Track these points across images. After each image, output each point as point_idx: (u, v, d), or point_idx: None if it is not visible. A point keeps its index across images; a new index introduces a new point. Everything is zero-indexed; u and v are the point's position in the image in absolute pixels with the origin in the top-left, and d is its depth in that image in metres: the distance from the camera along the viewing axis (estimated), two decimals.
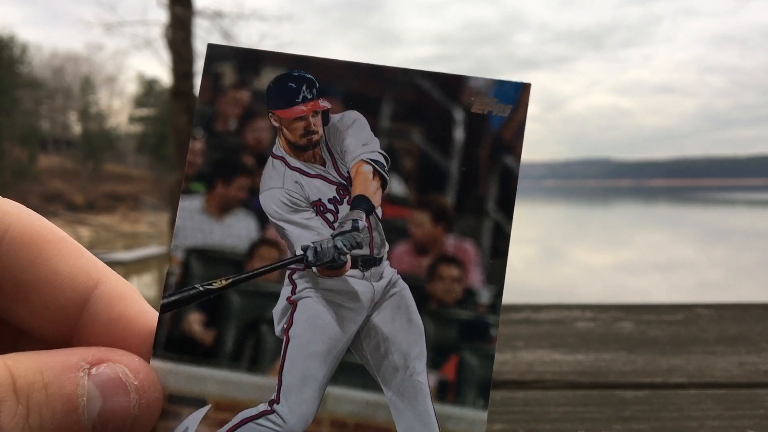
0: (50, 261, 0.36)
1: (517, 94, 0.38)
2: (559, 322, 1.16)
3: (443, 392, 0.37)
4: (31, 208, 0.38)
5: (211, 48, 0.39)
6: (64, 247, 0.37)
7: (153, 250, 19.71)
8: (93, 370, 0.33)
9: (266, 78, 0.39)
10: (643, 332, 1.09)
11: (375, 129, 0.38)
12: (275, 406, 0.37)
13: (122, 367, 0.34)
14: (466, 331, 0.37)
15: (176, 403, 0.37)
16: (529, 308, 1.26)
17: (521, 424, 0.71)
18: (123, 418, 0.33)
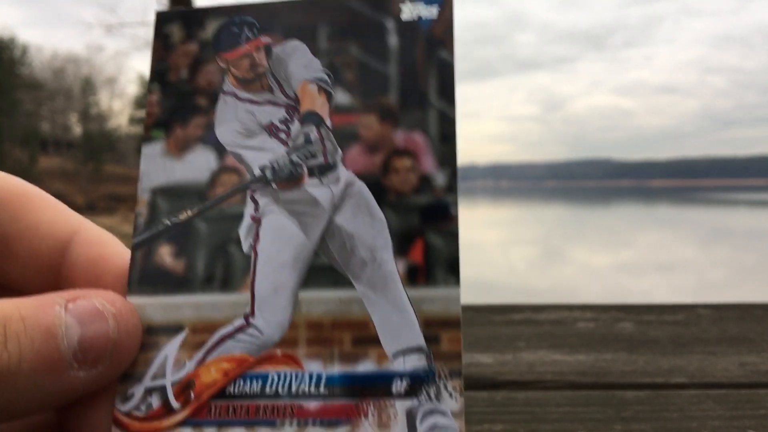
0: (31, 214, 0.38)
1: None
2: (559, 323, 1.16)
3: (413, 276, 0.38)
4: None
5: (159, 14, 0.43)
6: (43, 201, 0.39)
7: None
8: (69, 305, 0.33)
9: (211, 29, 0.43)
10: (643, 333, 1.09)
11: (315, 52, 0.42)
12: (250, 319, 0.38)
13: (99, 298, 0.35)
14: (427, 215, 0.39)
15: (154, 334, 0.38)
16: (529, 309, 1.26)
17: (522, 424, 0.71)
18: (103, 343, 0.33)
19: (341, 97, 0.41)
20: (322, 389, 0.37)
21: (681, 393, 0.81)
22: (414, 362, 0.37)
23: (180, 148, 0.41)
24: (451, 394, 0.36)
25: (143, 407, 0.37)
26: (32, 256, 0.38)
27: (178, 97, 0.42)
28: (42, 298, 0.33)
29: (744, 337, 1.05)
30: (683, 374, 0.88)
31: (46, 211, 0.39)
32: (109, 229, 0.40)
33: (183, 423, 0.36)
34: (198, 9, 0.43)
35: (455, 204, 0.39)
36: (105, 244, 0.39)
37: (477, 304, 1.33)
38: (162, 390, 0.37)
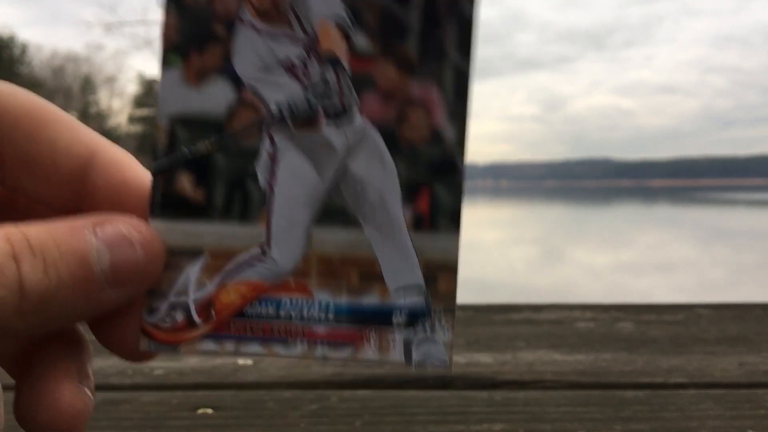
0: (47, 133, 0.39)
1: None
2: (559, 323, 1.16)
3: (419, 222, 0.40)
4: None
5: None
6: (59, 120, 0.39)
7: None
8: (98, 231, 0.35)
9: None
10: (643, 332, 1.09)
11: None
12: (266, 248, 0.40)
13: (125, 224, 0.37)
14: (435, 166, 0.41)
15: (177, 256, 0.40)
16: (529, 308, 1.26)
17: (521, 424, 0.71)
18: (132, 267, 0.36)
19: (360, 41, 0.41)
20: (330, 316, 0.40)
21: (680, 393, 0.81)
22: (413, 297, 0.40)
23: (197, 77, 0.41)
24: (443, 327, 0.40)
25: (168, 320, 0.39)
26: (51, 176, 0.39)
27: (194, 22, 0.41)
28: (71, 224, 0.35)
29: (743, 337, 1.05)
30: (683, 374, 0.88)
31: (63, 130, 0.39)
32: None
33: (205, 336, 0.39)
34: None
35: (462, 157, 0.40)
36: (127, 167, 0.40)
37: (476, 303, 1.33)
38: (185, 306, 0.39)
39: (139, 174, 0.40)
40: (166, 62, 0.41)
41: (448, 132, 0.40)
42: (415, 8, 0.41)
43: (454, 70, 0.41)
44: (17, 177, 0.39)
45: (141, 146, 51.64)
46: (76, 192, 0.40)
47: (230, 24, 0.41)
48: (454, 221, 0.40)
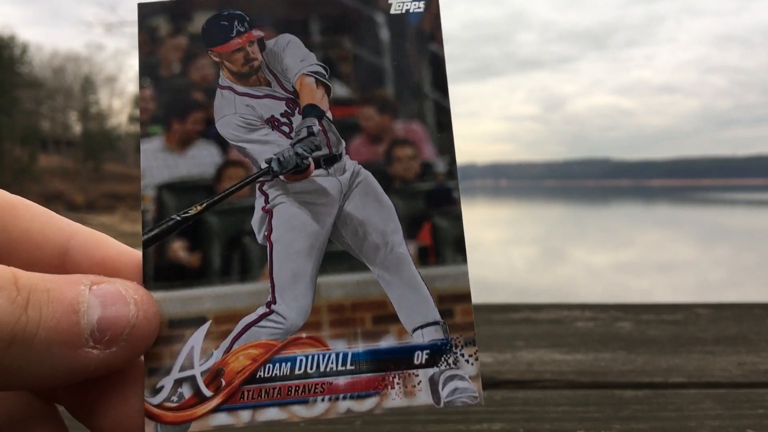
0: (20, 222, 0.38)
1: None
2: (558, 322, 1.16)
3: (424, 257, 0.41)
4: None
5: (141, 6, 0.42)
6: (31, 210, 0.39)
7: None
8: (94, 287, 0.34)
9: (198, 22, 0.42)
10: (642, 332, 1.09)
11: (309, 45, 0.42)
12: (273, 306, 0.39)
13: (122, 284, 0.36)
14: (432, 199, 0.42)
15: (177, 327, 0.38)
16: (528, 308, 1.26)
17: (521, 423, 0.71)
18: (121, 326, 0.34)
19: (339, 89, 0.42)
20: (349, 366, 0.39)
21: (680, 392, 0.81)
22: (432, 335, 0.40)
23: (181, 144, 0.41)
24: (467, 360, 0.40)
25: (175, 398, 0.38)
26: (28, 265, 0.37)
27: (172, 92, 0.41)
28: (69, 276, 0.34)
29: (742, 337, 1.06)
30: (682, 374, 0.88)
31: (37, 218, 0.39)
32: (109, 227, 0.40)
33: (217, 409, 0.37)
34: (182, 0, 0.42)
35: (456, 188, 0.41)
36: (107, 245, 0.39)
37: (476, 303, 1.33)
38: (192, 380, 0.38)
39: (123, 250, 0.39)
40: (147, 134, 0.41)
41: (439, 165, 0.42)
42: (385, 53, 0.42)
43: (434, 106, 0.42)
44: None
45: None
46: (57, 273, 0.38)
47: (208, 89, 0.42)
48: (459, 250, 0.41)
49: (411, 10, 0.43)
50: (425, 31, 0.43)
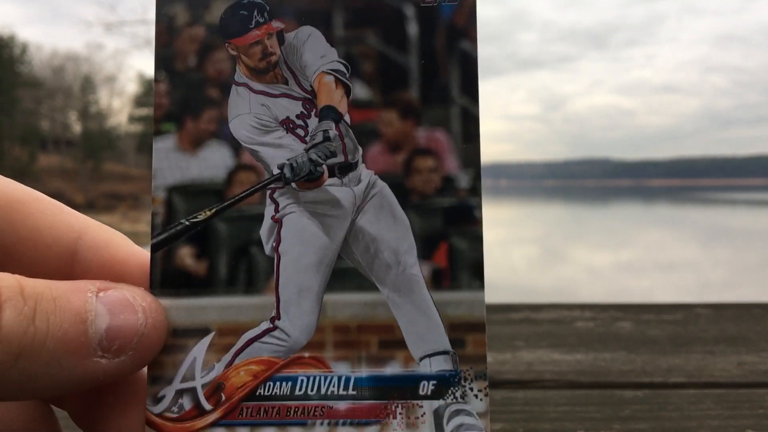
0: (29, 220, 0.37)
1: None
2: (558, 322, 1.16)
3: (438, 280, 0.38)
4: None
5: None
6: (41, 205, 0.38)
7: None
8: (101, 294, 0.34)
9: (217, 10, 0.40)
10: (642, 332, 1.09)
11: (330, 40, 0.39)
12: (277, 322, 0.38)
13: (130, 291, 0.35)
14: (451, 217, 0.38)
15: (181, 336, 0.37)
16: (528, 308, 1.26)
17: (521, 423, 0.71)
18: (130, 335, 0.34)
19: (360, 90, 0.39)
20: (350, 390, 0.37)
21: (679, 392, 0.81)
22: (440, 365, 0.37)
23: (194, 144, 0.39)
24: (476, 395, 0.37)
25: (175, 408, 0.37)
26: (36, 263, 0.37)
27: (187, 87, 0.39)
28: (75, 283, 0.34)
29: (743, 337, 1.06)
30: (682, 374, 0.88)
31: (46, 215, 0.38)
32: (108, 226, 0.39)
33: (215, 424, 0.37)
34: None
35: (479, 206, 0.38)
36: (116, 245, 0.38)
37: None
38: (193, 392, 0.37)
39: (133, 251, 0.39)
40: (159, 132, 0.39)
41: (462, 179, 0.38)
42: (412, 50, 0.39)
43: (462, 113, 0.39)
44: (1, 263, 0.37)
45: (141, 146, 51.61)
46: (65, 273, 0.38)
47: (223, 85, 0.39)
48: (477, 275, 0.38)
49: (444, 2, 0.39)
50: (458, 26, 0.39)
